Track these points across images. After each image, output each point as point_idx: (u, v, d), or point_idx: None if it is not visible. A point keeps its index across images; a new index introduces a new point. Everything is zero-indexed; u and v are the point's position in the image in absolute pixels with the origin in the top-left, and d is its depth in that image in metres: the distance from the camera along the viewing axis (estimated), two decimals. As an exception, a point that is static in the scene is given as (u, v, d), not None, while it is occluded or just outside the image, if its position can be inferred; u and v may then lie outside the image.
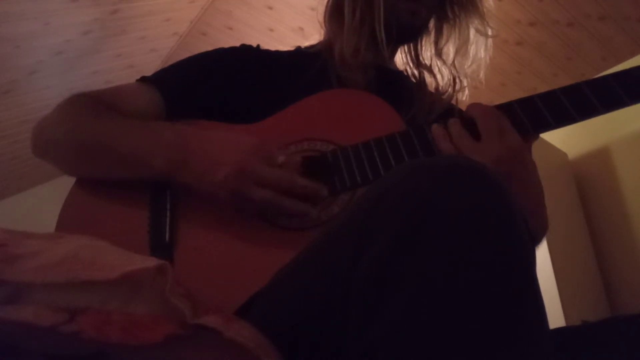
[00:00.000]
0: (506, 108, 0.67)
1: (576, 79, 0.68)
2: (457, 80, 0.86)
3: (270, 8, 2.65)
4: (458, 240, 0.38)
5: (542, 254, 2.14)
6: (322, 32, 0.92)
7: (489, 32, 0.85)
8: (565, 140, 2.64)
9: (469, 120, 0.66)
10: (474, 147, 0.63)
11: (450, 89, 0.87)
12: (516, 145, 0.63)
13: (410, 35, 0.87)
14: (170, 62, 0.89)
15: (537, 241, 0.67)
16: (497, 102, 0.69)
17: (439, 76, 0.89)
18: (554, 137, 2.59)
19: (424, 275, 0.38)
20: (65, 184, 0.76)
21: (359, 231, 0.43)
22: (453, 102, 0.88)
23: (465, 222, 0.38)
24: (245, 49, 0.87)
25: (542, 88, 0.69)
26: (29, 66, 2.63)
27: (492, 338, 0.35)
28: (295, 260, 0.55)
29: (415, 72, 0.92)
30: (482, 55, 0.86)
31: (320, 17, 0.90)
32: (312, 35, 0.97)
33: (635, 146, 2.51)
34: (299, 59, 0.89)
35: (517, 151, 0.63)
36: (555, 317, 2.11)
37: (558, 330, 0.66)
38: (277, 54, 0.90)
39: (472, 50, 0.85)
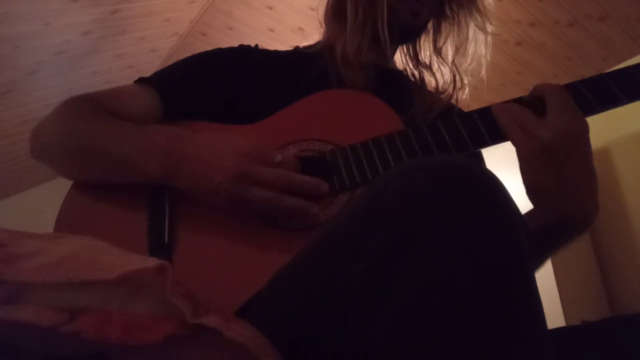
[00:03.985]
0: (571, 88, 0.67)
1: (576, 79, 0.68)
2: (457, 79, 0.86)
3: (270, 8, 2.65)
4: (455, 240, 0.38)
5: (542, 254, 2.14)
6: (322, 32, 0.92)
7: (489, 29, 0.85)
8: (565, 140, 2.64)
9: (529, 102, 0.66)
10: (538, 121, 0.63)
11: (450, 88, 0.87)
12: (584, 123, 0.63)
13: (411, 35, 0.87)
14: (170, 62, 0.89)
15: (591, 221, 0.66)
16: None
17: (438, 75, 0.89)
18: (554, 137, 2.58)
19: (420, 276, 0.38)
20: (65, 184, 0.75)
21: (357, 231, 0.43)
22: (453, 101, 0.88)
23: (462, 223, 0.38)
24: (244, 49, 0.87)
25: (542, 88, 0.71)
26: (29, 66, 2.63)
27: (489, 339, 0.35)
28: (293, 261, 0.55)
29: (415, 72, 0.92)
30: (483, 52, 0.86)
31: (321, 16, 0.90)
32: (312, 35, 0.97)
33: (635, 146, 2.51)
34: (298, 59, 0.89)
35: (585, 128, 0.63)
36: (555, 317, 2.11)
37: (558, 330, 0.66)
38: (276, 54, 0.90)
39: (471, 48, 0.85)
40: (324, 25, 0.91)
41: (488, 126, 0.66)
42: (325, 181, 0.66)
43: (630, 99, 0.65)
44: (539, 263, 0.73)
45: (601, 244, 2.55)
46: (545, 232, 0.66)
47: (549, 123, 0.62)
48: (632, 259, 2.45)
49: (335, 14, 0.87)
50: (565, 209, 0.63)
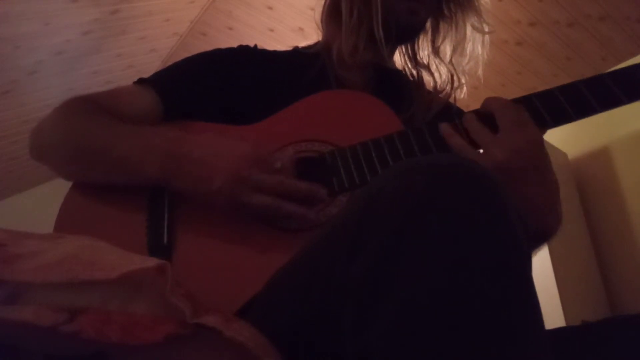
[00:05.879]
0: (525, 102, 0.66)
1: (576, 79, 0.68)
2: (455, 78, 0.86)
3: (270, 8, 2.65)
4: (452, 241, 0.38)
5: (542, 254, 2.14)
6: (320, 32, 0.92)
7: (486, 29, 0.85)
8: (565, 140, 2.64)
9: (485, 115, 0.66)
10: (492, 140, 0.62)
11: (448, 87, 0.87)
12: (537, 138, 0.62)
13: (409, 34, 0.87)
14: (170, 62, 0.89)
15: (552, 235, 0.66)
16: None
17: (436, 74, 0.89)
18: (554, 137, 2.59)
19: (419, 276, 0.38)
20: (64, 184, 0.76)
21: (356, 231, 0.43)
22: (451, 100, 0.88)
23: (460, 223, 0.38)
24: (243, 50, 0.87)
25: (542, 88, 0.70)
26: (29, 66, 2.63)
27: (488, 339, 0.35)
28: (292, 261, 0.55)
29: (414, 71, 0.92)
30: (480, 52, 0.86)
31: (317, 17, 0.90)
32: (312, 35, 0.97)
33: (635, 146, 2.51)
34: (297, 60, 0.89)
35: (538, 143, 0.62)
36: (555, 317, 2.11)
37: (558, 330, 0.66)
38: (275, 54, 0.90)
39: (468, 47, 0.85)
40: (320, 26, 0.91)
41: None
42: (323, 185, 0.66)
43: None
44: None
45: (601, 244, 2.55)
46: None
47: (501, 142, 0.61)
48: (632, 259, 2.45)
49: (331, 15, 0.87)
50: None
